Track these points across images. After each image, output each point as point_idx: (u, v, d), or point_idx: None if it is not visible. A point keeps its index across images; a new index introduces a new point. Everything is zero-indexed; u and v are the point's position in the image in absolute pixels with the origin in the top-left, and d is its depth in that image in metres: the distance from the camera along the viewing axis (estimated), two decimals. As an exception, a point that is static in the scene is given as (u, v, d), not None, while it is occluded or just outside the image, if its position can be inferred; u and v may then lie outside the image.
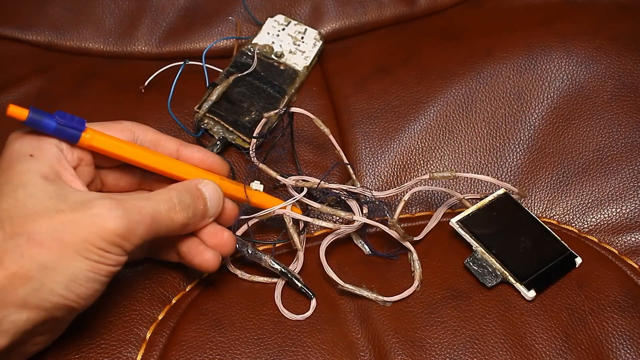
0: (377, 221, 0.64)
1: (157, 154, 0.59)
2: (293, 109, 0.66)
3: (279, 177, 0.65)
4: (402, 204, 0.63)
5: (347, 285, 0.62)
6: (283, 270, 0.63)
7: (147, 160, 0.58)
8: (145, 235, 0.54)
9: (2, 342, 0.50)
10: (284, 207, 0.64)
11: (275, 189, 0.68)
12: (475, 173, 0.69)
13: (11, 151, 0.54)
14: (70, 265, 0.51)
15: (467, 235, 0.64)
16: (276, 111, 0.66)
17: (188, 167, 0.60)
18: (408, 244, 0.64)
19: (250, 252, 0.63)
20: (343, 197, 0.66)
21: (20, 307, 0.50)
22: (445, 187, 0.68)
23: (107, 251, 0.52)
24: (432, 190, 0.68)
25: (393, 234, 0.64)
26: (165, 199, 0.56)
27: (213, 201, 0.59)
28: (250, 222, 0.64)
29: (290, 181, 0.64)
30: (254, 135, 0.65)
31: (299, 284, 0.62)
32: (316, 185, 0.64)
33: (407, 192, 0.64)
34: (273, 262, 0.63)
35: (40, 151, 0.54)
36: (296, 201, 0.64)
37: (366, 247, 0.65)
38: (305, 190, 0.64)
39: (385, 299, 0.62)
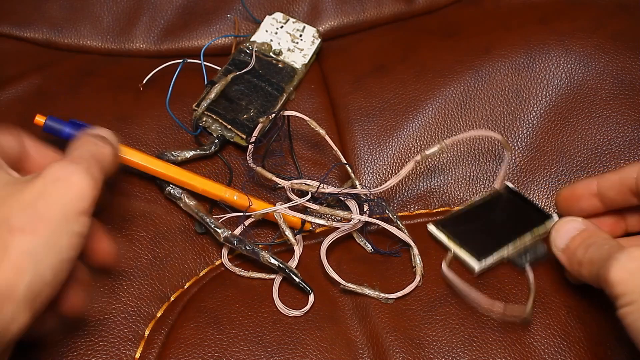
0: (377, 218, 0.64)
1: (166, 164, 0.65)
2: (287, 112, 0.65)
3: (276, 180, 0.65)
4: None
5: (349, 285, 0.62)
6: (281, 265, 0.63)
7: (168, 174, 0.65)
8: (101, 176, 0.53)
9: None
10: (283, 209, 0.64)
11: (274, 191, 0.68)
12: (462, 133, 0.69)
13: None
14: (57, 244, 0.49)
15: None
16: (270, 115, 0.66)
17: (207, 181, 0.66)
18: (409, 240, 0.64)
19: (248, 249, 0.63)
20: (342, 198, 0.66)
21: (19, 305, 0.47)
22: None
23: (88, 213, 0.50)
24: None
25: (399, 233, 0.64)
26: (84, 142, 0.55)
27: (109, 136, 0.58)
28: (247, 222, 0.65)
29: (287, 183, 0.64)
30: (250, 141, 0.65)
31: (297, 279, 0.62)
32: (315, 189, 0.64)
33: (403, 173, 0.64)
34: (271, 258, 0.63)
35: None
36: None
37: (368, 245, 0.65)
38: (310, 195, 0.64)
39: (388, 296, 0.62)
